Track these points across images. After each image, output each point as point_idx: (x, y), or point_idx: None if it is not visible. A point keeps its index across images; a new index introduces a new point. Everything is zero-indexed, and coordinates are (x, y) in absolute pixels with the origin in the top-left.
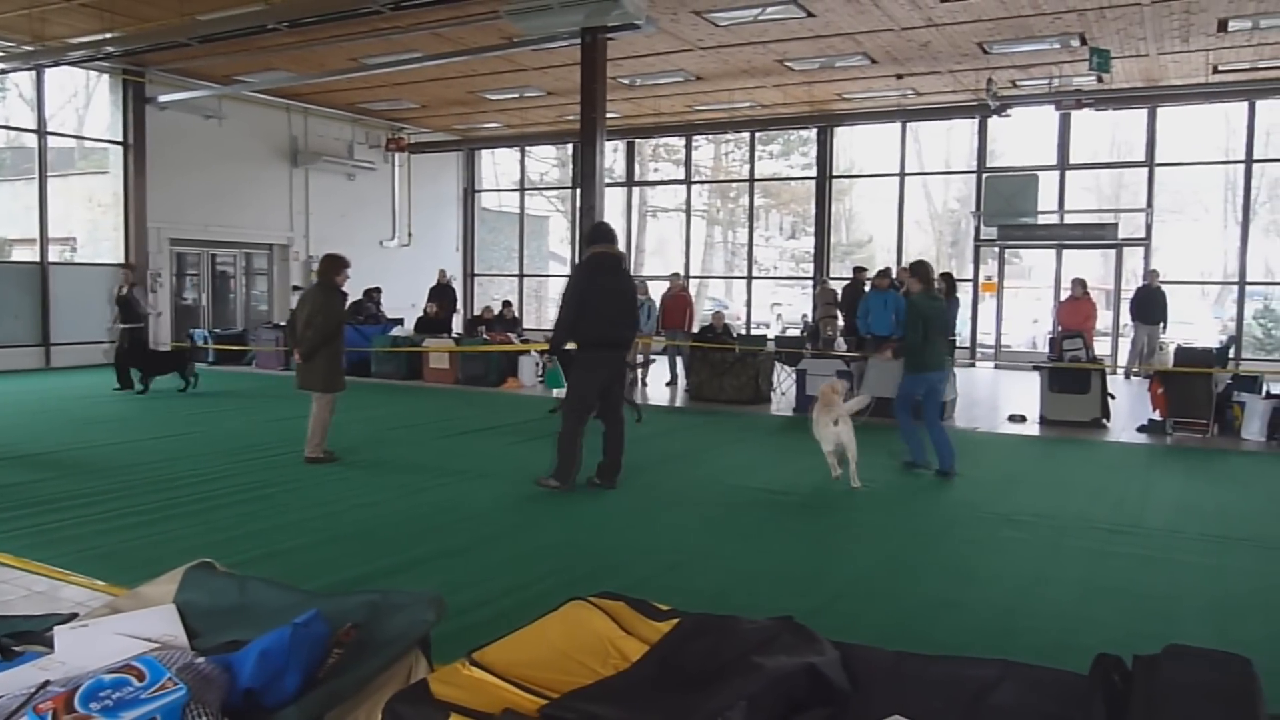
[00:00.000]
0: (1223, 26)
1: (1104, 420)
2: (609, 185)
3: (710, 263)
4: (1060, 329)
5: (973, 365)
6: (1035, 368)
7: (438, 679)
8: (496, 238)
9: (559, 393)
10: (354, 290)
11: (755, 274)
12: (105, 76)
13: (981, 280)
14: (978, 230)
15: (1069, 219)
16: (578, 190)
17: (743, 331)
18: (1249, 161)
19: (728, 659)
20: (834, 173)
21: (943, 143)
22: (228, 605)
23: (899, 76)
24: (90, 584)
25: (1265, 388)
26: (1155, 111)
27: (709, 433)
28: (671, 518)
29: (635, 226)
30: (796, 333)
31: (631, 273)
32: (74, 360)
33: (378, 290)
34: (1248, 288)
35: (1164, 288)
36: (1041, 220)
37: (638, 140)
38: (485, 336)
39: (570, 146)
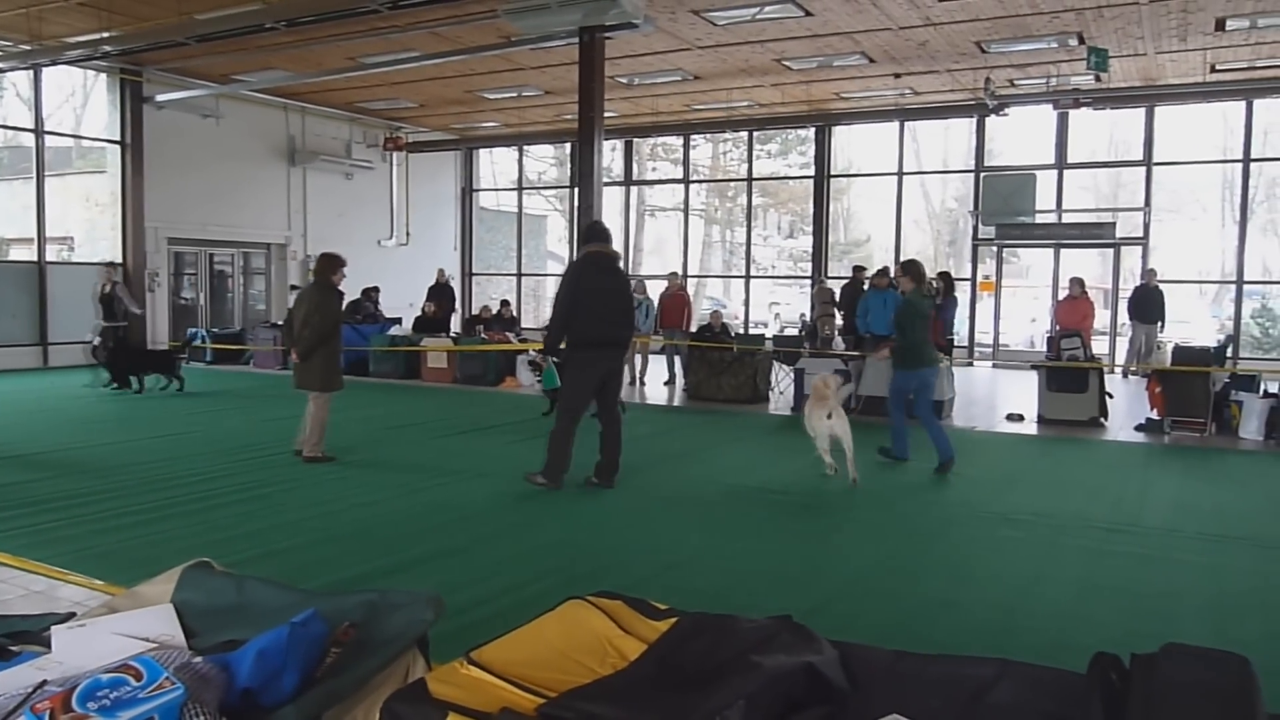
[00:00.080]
0: (1220, 26)
1: (1102, 419)
2: (607, 184)
3: (708, 262)
4: (1058, 328)
5: (971, 364)
6: (1033, 367)
7: (436, 678)
8: (494, 237)
9: (544, 392)
10: (352, 289)
11: (753, 273)
12: (103, 76)
13: (979, 279)
14: (976, 229)
15: (1067, 218)
16: (576, 189)
17: (741, 331)
18: (1246, 161)
19: (726, 658)
20: (832, 172)
21: (941, 142)
22: (225, 605)
23: (897, 76)
24: (88, 583)
25: (1263, 387)
26: (1153, 111)
27: (707, 432)
28: (669, 517)
29: (633, 226)
30: (794, 332)
31: (629, 272)
32: (71, 360)
33: (376, 290)
34: (1245, 287)
35: (1162, 287)
36: (1039, 219)
37: (636, 139)
38: (483, 336)
39: (568, 146)
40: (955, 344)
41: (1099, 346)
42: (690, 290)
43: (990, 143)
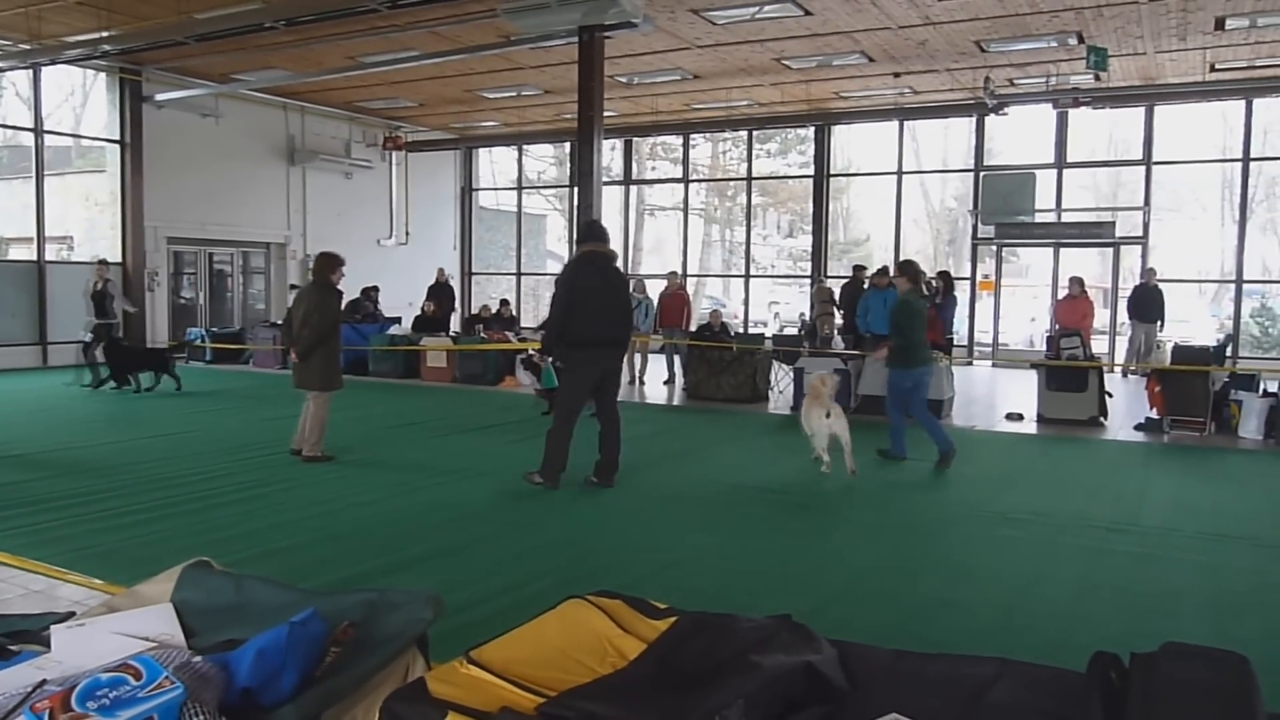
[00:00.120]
0: (1220, 25)
1: (1101, 418)
2: (606, 184)
3: (708, 261)
4: (1058, 327)
5: (970, 364)
6: (1033, 366)
7: (435, 677)
8: (494, 236)
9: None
10: (351, 289)
11: (753, 272)
12: (102, 75)
13: (979, 279)
14: (975, 229)
15: (1066, 217)
16: (575, 189)
17: (740, 330)
18: (1246, 160)
19: (725, 657)
20: (831, 171)
21: (940, 141)
22: (225, 604)
23: (896, 75)
24: (87, 583)
25: (1262, 386)
26: (1152, 110)
27: (706, 431)
28: (669, 516)
29: (633, 225)
30: (794, 331)
31: (629, 272)
32: (71, 359)
33: (375, 289)
34: (1245, 286)
35: (1161, 286)
36: (1039, 219)
37: (635, 139)
38: (483, 335)
39: (568, 145)
40: (955, 343)
41: (1098, 346)
42: (690, 289)
43: (990, 142)
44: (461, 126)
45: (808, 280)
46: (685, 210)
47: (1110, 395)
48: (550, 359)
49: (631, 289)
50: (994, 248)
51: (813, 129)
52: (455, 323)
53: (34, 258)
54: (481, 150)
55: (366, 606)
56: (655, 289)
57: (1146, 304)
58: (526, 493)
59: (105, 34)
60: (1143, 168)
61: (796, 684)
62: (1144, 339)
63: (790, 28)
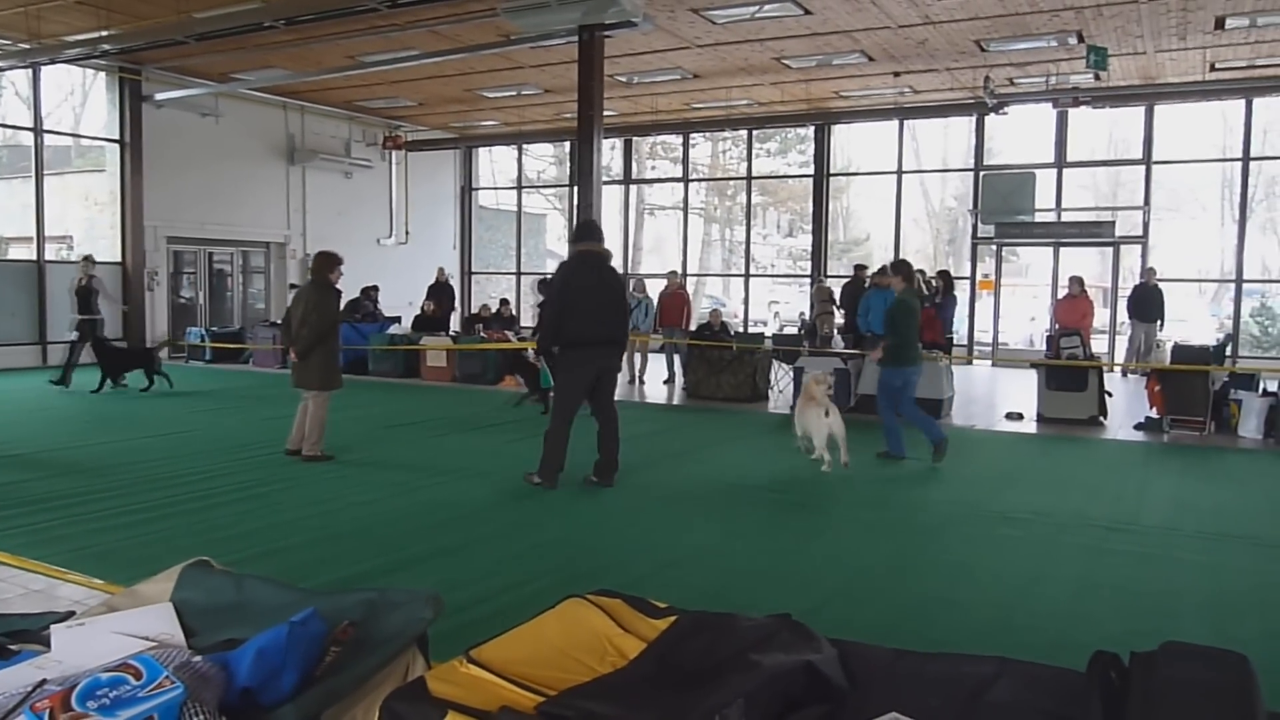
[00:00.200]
0: (1220, 24)
1: (1101, 418)
2: (606, 183)
3: (708, 261)
4: (1058, 327)
5: (970, 363)
6: (1032, 365)
7: (435, 677)
8: (494, 235)
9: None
10: (351, 288)
11: (753, 272)
12: (102, 74)
13: (979, 278)
14: (975, 228)
15: (1066, 217)
16: (575, 188)
17: (740, 329)
18: (1246, 159)
19: (725, 656)
20: (831, 170)
21: (940, 140)
22: (224, 603)
23: (896, 74)
24: (87, 582)
25: (1262, 385)
26: (1152, 109)
27: (706, 431)
28: (669, 515)
29: (633, 224)
30: (794, 330)
31: (629, 271)
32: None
33: (375, 288)
34: (1244, 285)
35: (1161, 285)
36: (1039, 218)
37: (635, 138)
38: (483, 335)
39: (567, 144)
40: (954, 342)
41: (1098, 345)
42: (690, 289)
43: (990, 141)
44: (461, 126)
45: (807, 280)
46: (685, 209)
47: (1110, 395)
48: (544, 359)
49: (631, 288)
50: (994, 247)
51: (812, 128)
52: (455, 322)
53: (33, 257)
54: (481, 149)
55: (366, 606)
56: (655, 288)
57: (1146, 303)
58: (526, 492)
59: (105, 33)
60: (1142, 167)
61: (796, 683)
62: (1144, 338)
63: (790, 27)
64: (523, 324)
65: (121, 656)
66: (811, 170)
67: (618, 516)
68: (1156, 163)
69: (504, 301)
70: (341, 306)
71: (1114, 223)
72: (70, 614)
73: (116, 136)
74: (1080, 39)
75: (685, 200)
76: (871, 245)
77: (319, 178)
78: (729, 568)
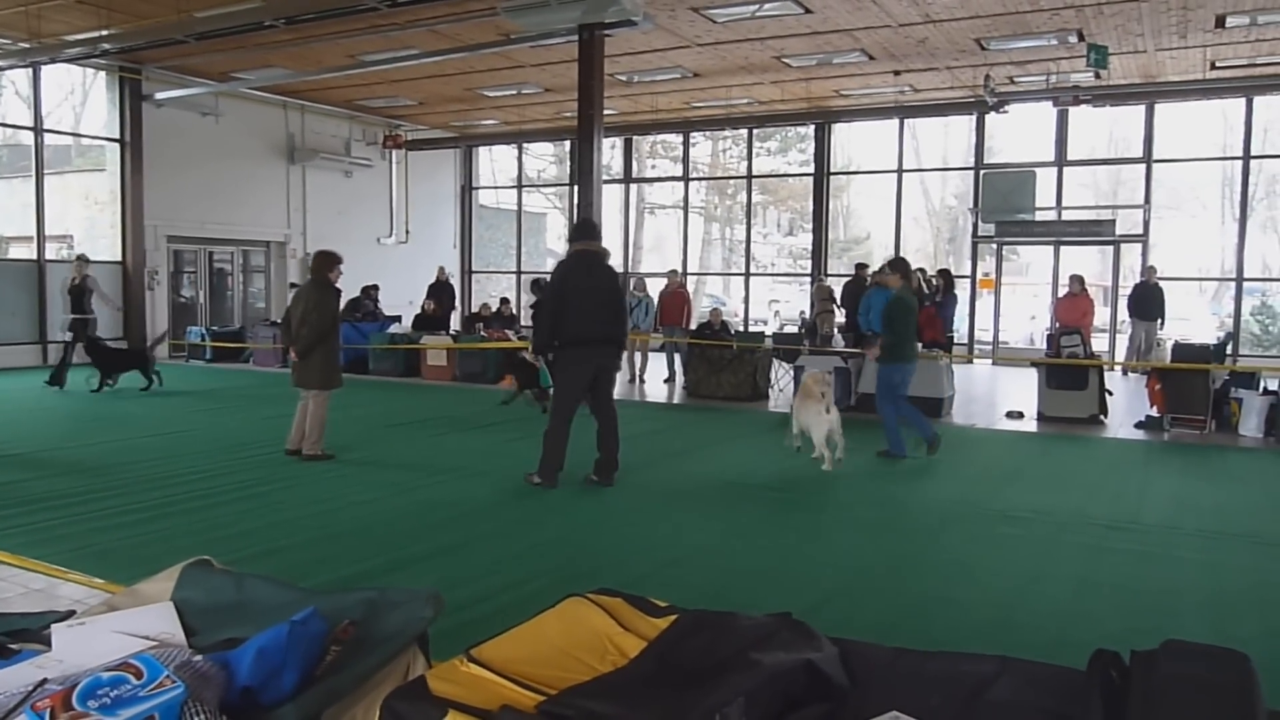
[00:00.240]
0: (1220, 23)
1: (1101, 417)
2: (606, 182)
3: (708, 260)
4: (1058, 325)
5: (970, 362)
6: (1033, 364)
7: (436, 676)
8: (494, 235)
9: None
10: (351, 287)
11: (753, 271)
12: (102, 74)
13: (979, 277)
14: (975, 227)
15: (1067, 215)
16: (575, 187)
17: (740, 328)
18: (1246, 158)
19: (726, 655)
20: (832, 169)
21: (940, 139)
22: (225, 603)
23: (896, 73)
24: (87, 581)
25: (1262, 384)
26: (1153, 108)
27: (706, 429)
28: (669, 514)
29: (633, 223)
30: (794, 329)
31: (629, 270)
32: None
33: (375, 288)
34: (1245, 284)
35: (1161, 284)
36: (1039, 217)
37: (635, 137)
38: (483, 334)
39: (568, 143)
40: (955, 341)
41: (1099, 344)
42: (690, 288)
43: (990, 140)
44: (461, 125)
45: (808, 278)
46: (685, 208)
47: (1110, 393)
48: (543, 359)
49: (632, 287)
50: (994, 246)
51: (813, 127)
52: (455, 321)
53: (34, 257)
54: (481, 148)
55: (367, 605)
56: (655, 287)
57: (1147, 302)
58: (526, 491)
59: (105, 32)
60: (1143, 166)
61: (797, 682)
62: (1144, 337)
63: (790, 26)
64: (523, 323)
65: (122, 656)
66: (812, 169)
67: (618, 515)
68: (1157, 161)
69: (504, 301)
70: (341, 305)
71: (1114, 221)
72: (71, 613)
73: (117, 136)
74: (1080, 37)
75: (685, 199)
76: (872, 244)
77: (319, 177)
78: (729, 567)
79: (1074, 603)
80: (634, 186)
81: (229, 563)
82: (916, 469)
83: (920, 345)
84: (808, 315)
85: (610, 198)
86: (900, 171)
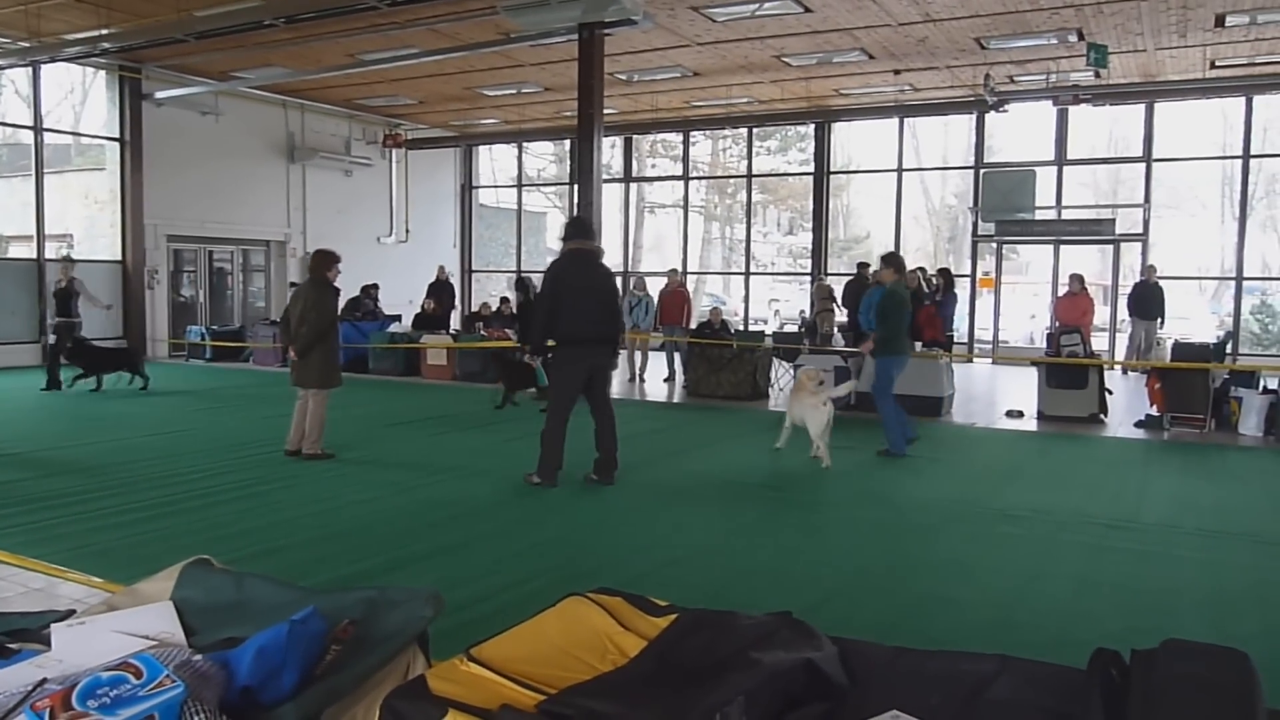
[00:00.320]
0: (1220, 22)
1: (1101, 416)
2: (606, 181)
3: (708, 259)
4: (1058, 324)
5: (970, 361)
6: (1033, 363)
7: (436, 675)
8: (494, 234)
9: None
10: (351, 287)
11: (753, 270)
12: (102, 73)
13: (979, 276)
14: (975, 226)
15: (1066, 214)
16: (575, 186)
17: (740, 328)
18: (1246, 157)
19: (725, 654)
20: (831, 168)
21: (940, 138)
22: (225, 602)
23: (896, 72)
24: (87, 581)
25: (1262, 383)
26: (1153, 107)
27: (706, 429)
28: (669, 514)
29: (633, 222)
30: (794, 328)
31: (629, 269)
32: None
33: (375, 287)
34: (1245, 283)
35: (1161, 283)
36: (1039, 216)
37: (635, 136)
38: (483, 333)
39: (567, 142)
40: (955, 340)
41: (1098, 343)
42: (690, 287)
43: (990, 139)
44: (461, 124)
45: (808, 277)
46: (685, 208)
47: (1110, 392)
48: (539, 359)
49: (632, 286)
50: (994, 245)
51: (813, 126)
52: (455, 320)
53: (34, 256)
54: (481, 148)
55: (367, 604)
56: (655, 286)
57: (1146, 301)
58: (526, 490)
59: (105, 31)
60: (1143, 165)
61: (797, 681)
62: (1144, 336)
63: (790, 25)
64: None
65: (122, 655)
66: (812, 168)
67: (618, 515)
68: (1157, 160)
69: (504, 300)
70: (340, 305)
71: (1114, 220)
72: (70, 613)
73: (116, 135)
74: (1080, 36)
75: (685, 198)
76: (872, 243)
77: (319, 176)
78: (729, 566)
79: (1074, 602)
80: (634, 186)
81: (229, 562)
82: (916, 468)
83: (920, 344)
84: (808, 314)
85: (610, 197)
86: (900, 170)
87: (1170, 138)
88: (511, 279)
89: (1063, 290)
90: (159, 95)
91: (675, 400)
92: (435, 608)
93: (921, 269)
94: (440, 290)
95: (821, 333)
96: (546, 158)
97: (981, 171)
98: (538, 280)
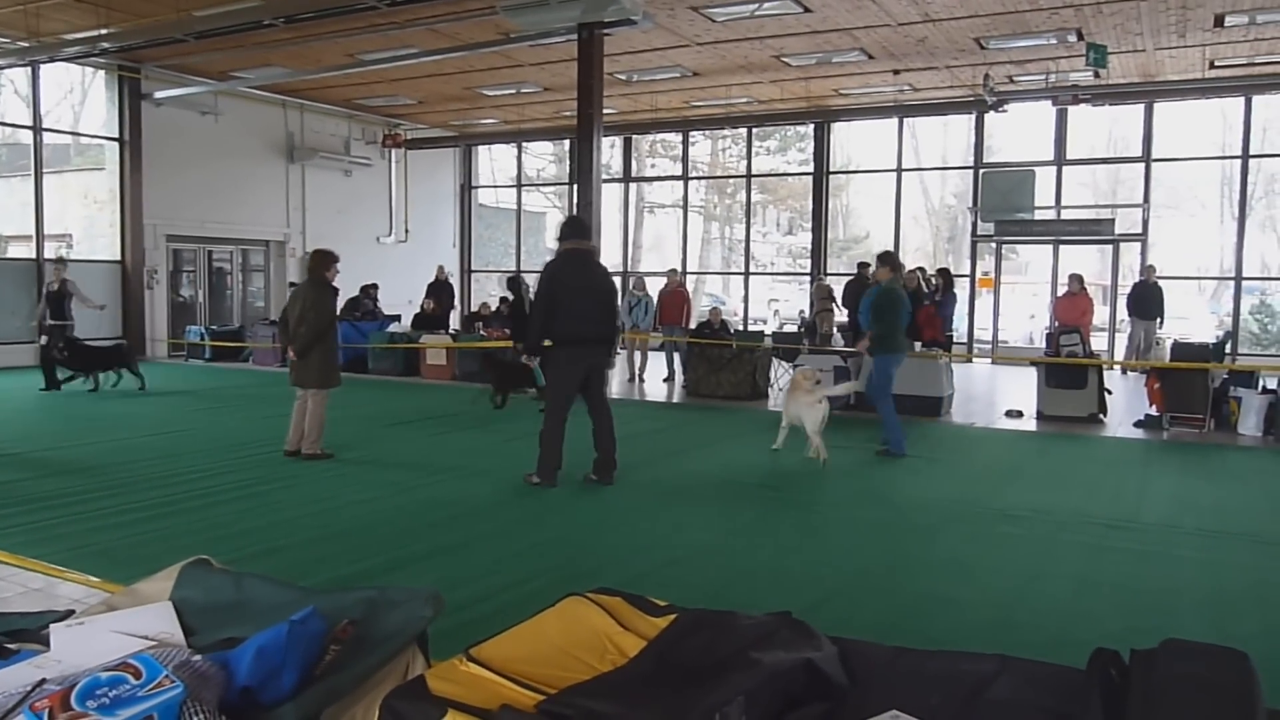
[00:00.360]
0: (1219, 22)
1: (1101, 416)
2: (606, 181)
3: (707, 259)
4: (1057, 324)
5: (970, 361)
6: (1032, 363)
7: (435, 675)
8: (493, 234)
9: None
10: (351, 286)
11: (752, 270)
12: (101, 73)
13: (978, 276)
14: (975, 226)
15: (1066, 214)
16: (574, 186)
17: (740, 327)
18: (1245, 157)
19: (725, 654)
20: (831, 168)
21: (940, 138)
22: (224, 602)
23: (896, 72)
24: (86, 581)
25: (1261, 383)
26: (1152, 107)
27: (706, 428)
28: (668, 514)
29: (632, 222)
30: (794, 328)
31: (629, 269)
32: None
33: (374, 286)
34: (1244, 283)
35: (1161, 283)
36: (1038, 216)
37: (634, 136)
38: (482, 333)
39: (567, 142)
40: (954, 340)
41: (1098, 343)
42: (689, 287)
43: (989, 139)
44: (461, 124)
45: (807, 277)
46: (685, 207)
47: (1110, 392)
48: (536, 359)
49: (632, 286)
50: (993, 245)
51: (812, 126)
52: (455, 320)
53: (33, 256)
54: (481, 148)
55: (366, 604)
56: (655, 286)
57: (1146, 301)
58: (526, 490)
59: (104, 31)
60: (1142, 165)
61: (796, 681)
62: (1143, 336)
63: (790, 25)
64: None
65: (121, 655)
66: (811, 168)
67: (617, 515)
68: (1156, 160)
69: (504, 300)
70: (340, 304)
71: (1113, 220)
72: (69, 613)
73: (116, 135)
74: (1080, 37)
75: (685, 198)
76: (871, 243)
77: (318, 176)
78: (729, 565)
79: (1073, 602)
80: (633, 185)
81: (228, 562)
82: (916, 467)
83: (920, 344)
84: (807, 314)
85: (610, 197)
86: (899, 170)
87: (1169, 138)
88: (503, 278)
89: (1062, 290)
90: (158, 95)
91: (675, 400)
92: (435, 608)
93: (921, 269)
94: (440, 290)
95: (821, 333)
96: (546, 158)
97: (981, 171)
98: (530, 280)
